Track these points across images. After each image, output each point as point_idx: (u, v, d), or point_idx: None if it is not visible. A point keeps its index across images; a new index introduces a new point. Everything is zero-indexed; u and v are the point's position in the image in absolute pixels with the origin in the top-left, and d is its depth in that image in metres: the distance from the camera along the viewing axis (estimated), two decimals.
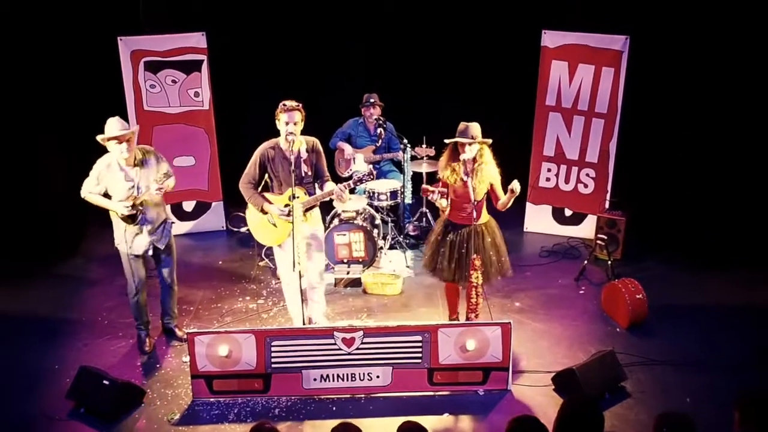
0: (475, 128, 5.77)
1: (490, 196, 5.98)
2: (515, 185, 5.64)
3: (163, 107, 8.01)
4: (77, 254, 8.16)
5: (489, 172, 5.87)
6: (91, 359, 6.04)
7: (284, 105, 5.83)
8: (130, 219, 5.90)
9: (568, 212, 8.41)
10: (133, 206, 5.85)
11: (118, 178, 5.84)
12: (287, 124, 5.81)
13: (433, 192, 5.73)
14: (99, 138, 5.79)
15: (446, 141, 5.91)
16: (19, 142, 7.85)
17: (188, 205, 8.51)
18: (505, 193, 5.81)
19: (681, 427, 3.62)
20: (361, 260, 7.45)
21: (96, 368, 5.65)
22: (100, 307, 7.02)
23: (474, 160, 5.82)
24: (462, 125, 5.81)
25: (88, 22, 8.22)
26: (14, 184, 7.90)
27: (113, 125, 5.78)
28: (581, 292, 7.25)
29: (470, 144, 5.74)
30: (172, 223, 6.40)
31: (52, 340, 6.49)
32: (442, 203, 5.86)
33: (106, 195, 5.89)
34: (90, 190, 5.88)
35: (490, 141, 5.85)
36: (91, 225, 8.35)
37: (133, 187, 5.87)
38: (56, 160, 8.12)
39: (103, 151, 5.98)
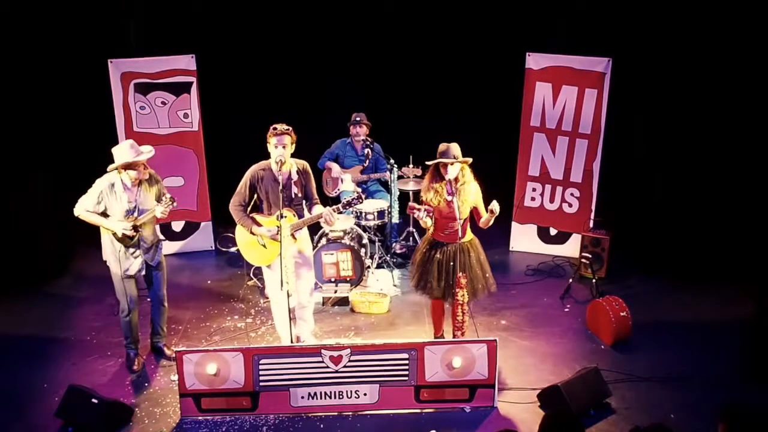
0: (455, 148, 5.87)
1: (473, 214, 6.08)
2: (495, 206, 5.75)
3: (153, 128, 8.07)
4: (66, 274, 8.17)
5: (471, 191, 5.97)
6: (80, 378, 6.06)
7: (274, 129, 5.91)
8: (128, 239, 5.95)
9: (553, 231, 8.50)
10: (134, 228, 5.91)
11: (122, 199, 5.90)
12: (276, 147, 5.89)
13: (419, 210, 5.80)
14: (114, 166, 5.81)
15: (428, 163, 6.00)
16: (7, 162, 7.88)
17: (177, 225, 8.55)
18: (487, 212, 5.92)
19: None
20: (348, 279, 7.51)
21: (85, 387, 5.66)
22: (89, 327, 7.03)
23: (456, 179, 5.93)
24: (443, 146, 5.90)
25: (79, 44, 8.30)
26: (2, 203, 7.92)
27: (128, 151, 5.81)
28: (566, 310, 7.33)
29: (452, 164, 5.85)
30: (162, 241, 6.46)
31: (40, 359, 6.50)
32: (427, 222, 5.94)
33: (104, 214, 5.93)
34: (87, 209, 5.91)
35: (470, 160, 5.95)
36: (80, 245, 8.39)
37: (134, 208, 5.94)
38: (44, 180, 8.14)
39: (92, 168, 6.05)
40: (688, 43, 7.84)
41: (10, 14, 7.87)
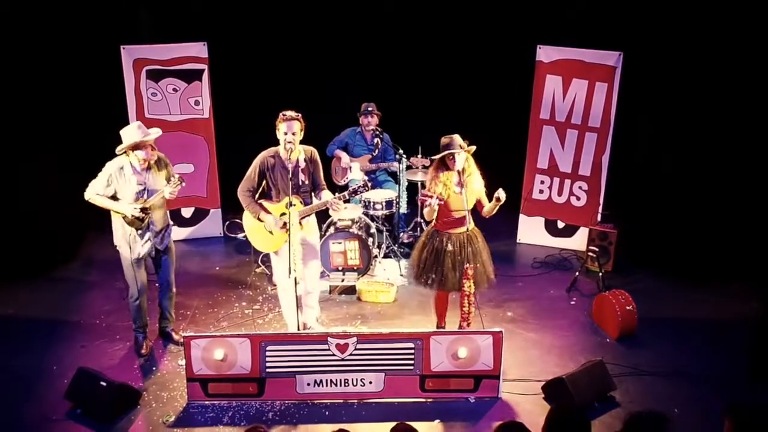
0: (458, 138, 5.88)
1: (476, 204, 6.09)
2: (501, 194, 5.76)
3: (164, 115, 8.10)
4: (76, 258, 8.22)
5: (476, 180, 5.99)
6: (88, 361, 6.11)
7: (284, 115, 5.94)
8: (138, 221, 5.99)
9: (560, 224, 8.49)
10: (143, 210, 5.95)
11: (131, 181, 5.94)
12: (286, 134, 5.92)
13: (431, 197, 5.78)
14: (122, 147, 5.86)
15: (434, 157, 5.99)
16: (19, 146, 7.93)
17: (187, 212, 8.60)
18: (490, 201, 5.94)
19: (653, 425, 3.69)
20: (356, 268, 7.54)
21: (93, 370, 5.72)
22: (98, 310, 7.09)
23: (463, 170, 5.93)
24: (446, 138, 5.90)
25: (91, 31, 8.33)
26: (13, 187, 7.97)
27: (136, 132, 5.86)
28: (572, 302, 7.35)
29: (459, 153, 5.85)
30: (172, 226, 6.50)
31: (50, 342, 6.56)
32: (433, 213, 5.94)
33: (114, 197, 5.97)
34: (97, 192, 5.95)
35: (474, 148, 5.94)
36: (90, 229, 8.43)
37: (143, 190, 5.97)
38: (55, 164, 8.19)
39: (103, 155, 6.08)
40: (700, 38, 7.81)
41: (21, 3, 7.90)
